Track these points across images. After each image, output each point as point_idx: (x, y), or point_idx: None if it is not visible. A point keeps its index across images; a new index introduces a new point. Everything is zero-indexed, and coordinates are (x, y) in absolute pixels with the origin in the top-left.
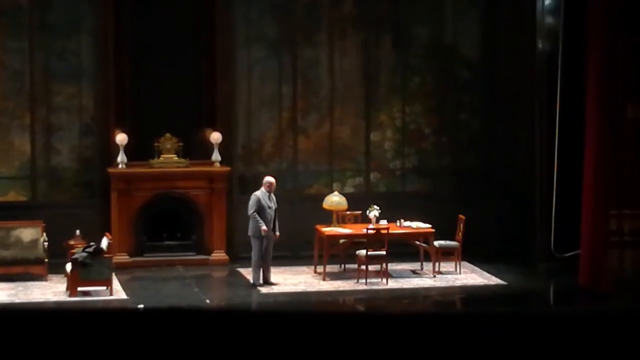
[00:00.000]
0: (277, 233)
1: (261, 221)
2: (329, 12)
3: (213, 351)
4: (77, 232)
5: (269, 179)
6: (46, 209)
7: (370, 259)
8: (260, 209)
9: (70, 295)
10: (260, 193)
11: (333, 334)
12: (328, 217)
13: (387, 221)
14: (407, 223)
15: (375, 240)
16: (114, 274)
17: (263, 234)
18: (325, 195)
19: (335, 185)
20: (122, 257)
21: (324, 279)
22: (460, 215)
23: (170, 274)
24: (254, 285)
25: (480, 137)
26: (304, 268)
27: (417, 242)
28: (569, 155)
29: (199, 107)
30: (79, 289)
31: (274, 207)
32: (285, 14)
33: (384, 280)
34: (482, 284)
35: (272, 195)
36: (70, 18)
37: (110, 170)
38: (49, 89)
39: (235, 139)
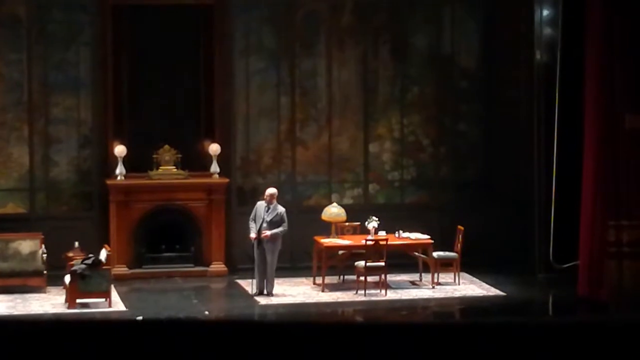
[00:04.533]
0: (267, 233)
1: (251, 228)
2: (327, 23)
3: None
4: (76, 244)
5: (267, 190)
6: (45, 221)
7: (369, 270)
8: (256, 218)
9: (68, 307)
10: (259, 203)
11: (330, 345)
12: (327, 228)
13: (386, 232)
14: (406, 234)
15: (374, 251)
16: (112, 286)
17: (252, 241)
18: (324, 206)
19: (334, 196)
20: (121, 269)
21: (322, 290)
22: (459, 226)
23: (169, 285)
24: (252, 295)
25: (479, 147)
26: (303, 279)
27: (416, 253)
28: (567, 166)
29: (198, 119)
30: (78, 300)
31: (269, 220)
32: (283, 24)
33: (383, 291)
34: (481, 294)
35: (277, 207)
36: (68, 29)
37: (109, 182)
38: (47, 100)
39: (233, 150)
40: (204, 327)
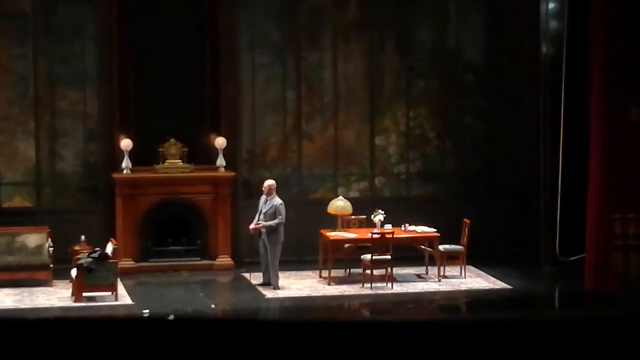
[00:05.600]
0: (259, 224)
1: (255, 220)
2: (333, 17)
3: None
4: (82, 237)
5: (265, 182)
6: (51, 214)
7: (375, 264)
8: (259, 210)
9: (75, 301)
10: (263, 195)
11: (337, 342)
12: (333, 221)
13: (392, 225)
14: (412, 227)
15: (380, 244)
16: (119, 279)
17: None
18: (330, 199)
19: (340, 189)
20: (127, 263)
21: (329, 284)
22: (465, 219)
23: (175, 279)
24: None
25: (485, 141)
26: (309, 272)
27: (422, 246)
28: (573, 158)
29: (203, 112)
30: (84, 294)
31: (265, 211)
32: (289, 18)
33: (389, 284)
34: (487, 288)
35: (274, 199)
36: (74, 23)
37: (115, 175)
38: (53, 94)
39: (239, 143)
40: (208, 324)
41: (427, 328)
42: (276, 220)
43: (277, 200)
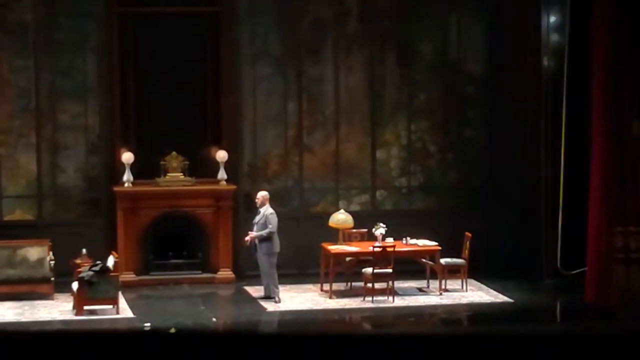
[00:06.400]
0: (249, 237)
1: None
2: (333, 29)
3: None
4: (84, 250)
5: (258, 193)
6: (52, 227)
7: (376, 277)
8: None
9: (76, 314)
10: None
11: (338, 355)
12: (334, 234)
13: (393, 239)
14: (413, 241)
15: (382, 258)
16: (120, 293)
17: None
18: (331, 213)
19: (341, 203)
20: (129, 276)
21: (330, 297)
22: (467, 233)
23: (176, 292)
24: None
25: (486, 154)
26: (310, 286)
27: (424, 260)
28: (574, 172)
29: (205, 125)
30: (86, 307)
31: (257, 222)
32: (290, 31)
33: (390, 298)
34: (488, 301)
35: (266, 209)
36: (75, 36)
37: (116, 188)
38: (55, 107)
39: (241, 157)
40: (209, 338)
41: (428, 342)
42: (267, 230)
43: (269, 210)
